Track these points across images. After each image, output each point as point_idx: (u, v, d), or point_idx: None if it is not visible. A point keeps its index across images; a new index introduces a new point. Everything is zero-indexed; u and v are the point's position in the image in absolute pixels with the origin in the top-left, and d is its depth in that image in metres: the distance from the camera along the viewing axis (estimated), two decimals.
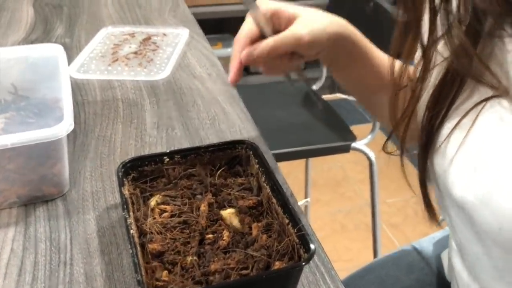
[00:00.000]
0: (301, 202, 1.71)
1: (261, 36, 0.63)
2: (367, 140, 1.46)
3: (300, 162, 1.72)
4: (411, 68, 0.61)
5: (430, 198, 0.59)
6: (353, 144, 1.43)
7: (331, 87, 2.60)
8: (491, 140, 0.48)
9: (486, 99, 0.49)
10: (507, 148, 0.47)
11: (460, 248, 0.60)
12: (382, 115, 0.77)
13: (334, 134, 1.47)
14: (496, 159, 0.48)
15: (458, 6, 0.48)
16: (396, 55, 0.61)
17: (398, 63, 0.62)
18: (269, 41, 0.61)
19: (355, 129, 1.51)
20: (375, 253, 1.55)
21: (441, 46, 0.52)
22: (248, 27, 0.63)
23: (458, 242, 0.58)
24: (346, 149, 1.44)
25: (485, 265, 0.54)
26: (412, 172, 0.59)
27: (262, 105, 1.60)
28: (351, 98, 2.63)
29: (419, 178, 0.59)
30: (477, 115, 0.50)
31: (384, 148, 0.64)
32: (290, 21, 0.62)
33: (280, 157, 1.36)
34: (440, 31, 0.51)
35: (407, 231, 1.95)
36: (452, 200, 0.52)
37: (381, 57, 0.70)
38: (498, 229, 0.47)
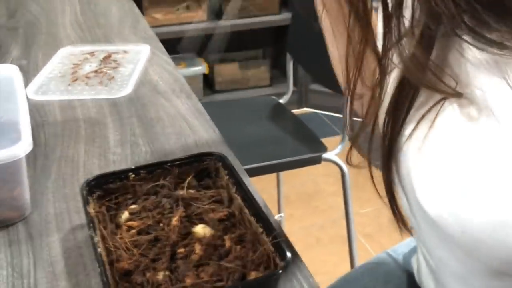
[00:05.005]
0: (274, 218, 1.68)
1: None
2: (338, 150, 1.44)
3: (272, 178, 1.69)
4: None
5: (399, 206, 0.58)
6: (324, 155, 1.41)
7: (299, 101, 2.62)
8: (451, 140, 0.48)
9: (443, 99, 0.49)
10: (464, 149, 0.47)
11: (425, 253, 0.59)
12: None
13: (304, 146, 1.45)
14: (456, 160, 0.48)
15: (412, 13, 0.48)
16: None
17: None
18: None
19: (325, 141, 1.49)
20: (352, 265, 1.52)
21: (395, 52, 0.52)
22: None
23: (424, 247, 0.58)
24: (317, 160, 1.42)
25: (448, 269, 0.54)
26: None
27: (229, 121, 1.57)
28: (319, 111, 2.66)
29: (385, 188, 0.58)
30: (436, 115, 0.50)
31: (348, 160, 0.63)
32: None
33: (250, 172, 1.32)
34: (393, 38, 0.50)
35: (382, 240, 1.94)
36: (417, 203, 0.52)
37: None
38: (461, 233, 0.47)
